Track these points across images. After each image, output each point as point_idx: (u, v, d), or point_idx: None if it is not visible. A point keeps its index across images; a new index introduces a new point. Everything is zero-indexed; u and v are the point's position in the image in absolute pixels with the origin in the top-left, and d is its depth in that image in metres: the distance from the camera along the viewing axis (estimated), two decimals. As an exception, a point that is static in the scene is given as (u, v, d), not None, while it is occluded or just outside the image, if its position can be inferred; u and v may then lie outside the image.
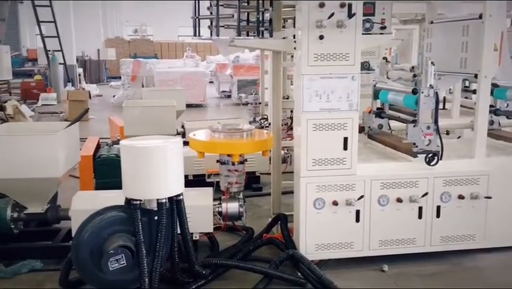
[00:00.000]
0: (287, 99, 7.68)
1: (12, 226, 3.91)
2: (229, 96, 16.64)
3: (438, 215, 3.83)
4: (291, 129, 8.00)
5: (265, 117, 8.69)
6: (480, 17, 3.80)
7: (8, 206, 3.90)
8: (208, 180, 5.38)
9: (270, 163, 5.61)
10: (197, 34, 4.07)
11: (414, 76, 6.40)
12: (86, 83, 17.90)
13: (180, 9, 31.92)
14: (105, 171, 5.00)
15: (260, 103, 9.04)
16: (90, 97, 12.67)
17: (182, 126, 7.28)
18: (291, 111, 8.00)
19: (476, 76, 3.88)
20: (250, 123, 7.69)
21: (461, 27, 4.09)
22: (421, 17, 6.42)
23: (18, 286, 3.56)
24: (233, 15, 3.86)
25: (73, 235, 3.40)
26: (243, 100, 14.20)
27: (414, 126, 3.75)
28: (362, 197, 3.67)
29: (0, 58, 8.69)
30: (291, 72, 8.57)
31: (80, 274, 3.19)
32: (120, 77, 17.11)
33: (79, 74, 17.67)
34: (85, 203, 3.73)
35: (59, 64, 15.80)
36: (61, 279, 3.43)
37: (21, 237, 4.04)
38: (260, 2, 3.98)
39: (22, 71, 20.35)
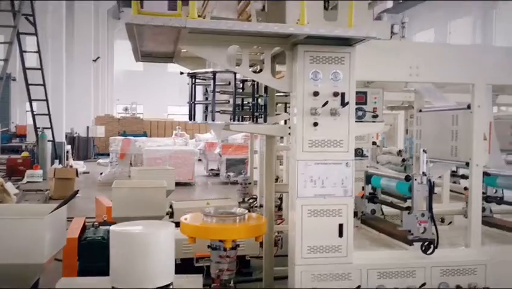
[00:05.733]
0: (276, 180, 7.68)
1: (-12, 315, 3.67)
2: (217, 174, 16.64)
3: (437, 307, 3.70)
4: (281, 209, 7.95)
5: (255, 197, 8.62)
6: (469, 107, 3.93)
7: (-14, 293, 3.68)
8: (196, 264, 5.19)
9: (260, 246, 5.48)
10: (192, 119, 4.12)
11: (403, 160, 6.50)
12: (73, 160, 17.80)
13: (170, 89, 32.92)
14: (91, 254, 4.81)
15: (250, 183, 9.01)
16: (77, 175, 12.52)
17: (171, 206, 7.16)
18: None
19: (467, 164, 3.94)
20: (239, 203, 7.60)
21: (451, 117, 4.22)
22: (408, 104, 6.65)
23: None
24: (228, 101, 3.94)
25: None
26: (231, 179, 14.17)
27: (408, 213, 3.72)
28: (359, 287, 3.55)
29: (-11, 135, 8.60)
30: (281, 153, 8.65)
31: None
32: (108, 154, 17.10)
33: (67, 152, 17.62)
34: (69, 292, 3.53)
35: (48, 141, 15.78)
36: None
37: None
38: (255, 88, 4.08)
39: (9, 147, 20.27)
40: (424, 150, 3.71)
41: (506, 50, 4.22)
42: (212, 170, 17.28)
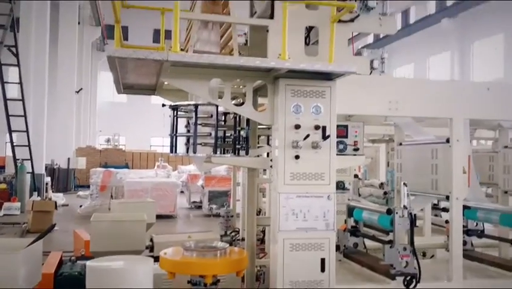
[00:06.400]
0: (259, 213, 7.63)
1: None
2: (200, 207, 16.43)
3: None
4: (263, 242, 7.85)
5: (237, 230, 8.50)
6: (448, 141, 3.99)
7: (-46, 332, 3.51)
8: (176, 300, 5.06)
9: (242, 281, 5.38)
10: (174, 151, 4.09)
11: (385, 193, 6.52)
12: (53, 192, 17.44)
13: (153, 120, 32.84)
14: (67, 291, 4.65)
15: (232, 216, 8.90)
16: (56, 207, 12.24)
17: (151, 240, 7.02)
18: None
19: (447, 197, 3.97)
20: (221, 236, 7.49)
21: (430, 150, 4.27)
22: (388, 137, 6.74)
23: None
24: (210, 134, 3.93)
25: None
26: (214, 211, 14.04)
27: (390, 247, 3.71)
28: (341, 323, 3.49)
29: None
30: (263, 185, 8.62)
31: None
32: (88, 187, 16.82)
33: (47, 184, 17.28)
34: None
35: (27, 172, 15.47)
36: None
37: None
38: (237, 121, 4.09)
39: (-14, 179, 19.77)
40: (404, 184, 3.73)
41: (482, 86, 4.32)
42: (194, 202, 17.07)
